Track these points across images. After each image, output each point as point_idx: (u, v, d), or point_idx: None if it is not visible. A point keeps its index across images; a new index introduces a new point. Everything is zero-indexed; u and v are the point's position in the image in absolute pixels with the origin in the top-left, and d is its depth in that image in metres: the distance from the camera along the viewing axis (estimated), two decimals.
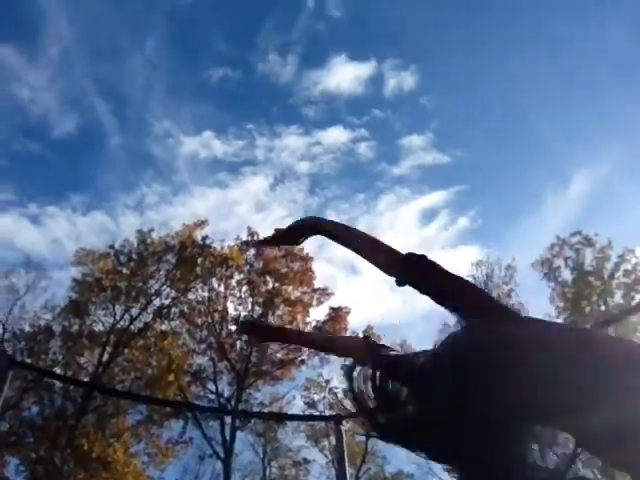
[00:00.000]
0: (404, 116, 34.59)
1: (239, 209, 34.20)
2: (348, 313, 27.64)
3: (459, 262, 31.39)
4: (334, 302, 27.41)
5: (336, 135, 32.07)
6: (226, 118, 34.18)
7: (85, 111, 30.11)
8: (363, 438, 25.60)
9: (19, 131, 29.60)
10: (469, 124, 33.94)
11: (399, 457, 25.11)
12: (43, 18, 30.12)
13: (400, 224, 35.11)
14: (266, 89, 32.72)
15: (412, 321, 34.15)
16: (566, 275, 28.63)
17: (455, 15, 31.43)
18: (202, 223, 25.28)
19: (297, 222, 1.64)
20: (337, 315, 27.48)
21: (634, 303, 25.87)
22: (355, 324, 28.13)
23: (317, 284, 27.36)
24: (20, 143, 29.53)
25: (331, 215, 33.19)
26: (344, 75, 34.23)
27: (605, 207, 33.60)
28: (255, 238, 27.18)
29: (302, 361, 27.03)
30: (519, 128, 33.15)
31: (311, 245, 32.92)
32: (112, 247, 23.34)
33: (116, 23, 30.94)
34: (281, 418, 24.75)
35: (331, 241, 1.48)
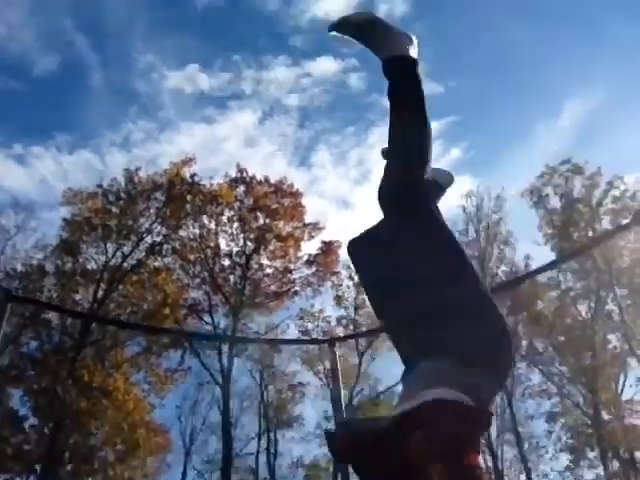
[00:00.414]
0: None
1: (227, 145, 34.03)
2: (339, 247, 28.06)
3: (452, 192, 31.45)
4: (325, 236, 27.85)
5: (326, 66, 31.39)
6: (211, 50, 33.34)
7: (65, 47, 29.43)
8: (356, 361, 26.73)
9: None
10: (462, 54, 33.23)
11: (391, 377, 26.22)
12: None
13: None
14: (252, 18, 31.81)
15: None
16: (555, 203, 28.79)
17: None
18: (190, 160, 25.35)
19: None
20: (328, 249, 27.92)
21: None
22: (345, 257, 28.53)
23: (308, 219, 27.71)
24: (0, 81, 29.03)
25: (322, 149, 33.08)
26: (334, 1, 33.27)
27: (596, 136, 33.40)
28: (244, 175, 27.39)
29: (295, 292, 27.75)
30: (511, 58, 32.46)
31: (302, 180, 33.05)
32: (100, 186, 23.48)
33: None
34: (277, 342, 25.60)
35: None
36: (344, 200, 38.52)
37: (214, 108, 32.14)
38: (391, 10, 30.91)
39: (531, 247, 28.25)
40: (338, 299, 28.54)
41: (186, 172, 25.13)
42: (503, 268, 29.17)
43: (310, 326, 28.03)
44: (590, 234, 27.84)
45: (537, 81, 32.04)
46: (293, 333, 27.01)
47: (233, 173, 26.98)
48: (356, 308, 28.27)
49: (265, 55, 31.86)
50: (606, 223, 27.60)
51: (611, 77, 29.97)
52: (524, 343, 28.02)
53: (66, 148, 30.46)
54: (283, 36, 31.76)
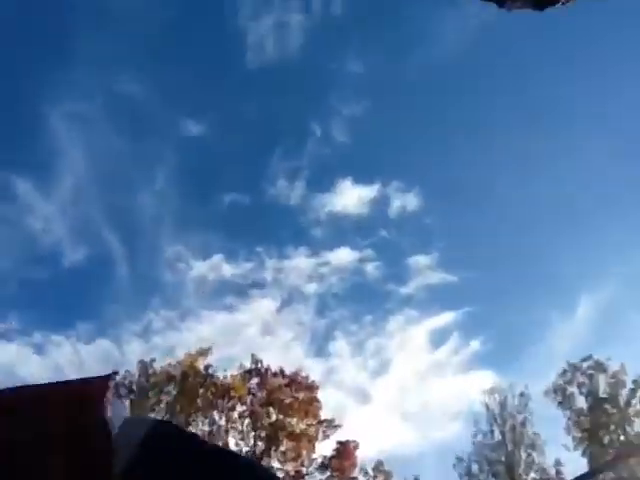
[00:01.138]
0: (409, 236, 35.35)
1: (246, 332, 33.60)
2: (356, 447, 26.01)
3: (473, 387, 30.41)
4: (342, 434, 25.89)
5: (343, 255, 32.31)
6: (236, 242, 34.92)
7: (95, 241, 31.30)
8: None
9: (29, 260, 31.13)
10: (475, 245, 34.65)
11: None
12: (59, 153, 32.24)
13: (410, 346, 34.33)
14: (275, 212, 33.92)
15: (425, 453, 32.14)
16: (580, 402, 27.56)
17: (457, 138, 33.06)
18: (206, 351, 24.40)
19: None
20: (345, 450, 25.85)
21: None
22: (364, 458, 26.29)
23: (324, 414, 25.99)
24: (29, 271, 30.79)
25: (339, 338, 32.63)
26: (350, 197, 35.34)
27: (614, 327, 33.43)
28: (259, 366, 26.21)
29: None
30: (523, 252, 33.78)
31: (318, 370, 31.79)
32: (113, 379, 22.08)
33: (128, 157, 32.87)
34: None
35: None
36: (363, 392, 36.90)
37: (235, 296, 32.44)
38: (403, 205, 32.71)
39: (560, 451, 26.29)
40: None
41: (200, 363, 24.08)
42: (533, 475, 26.90)
43: None
44: (622, 438, 26.38)
45: (551, 276, 32.94)
46: None
47: (248, 363, 25.86)
48: None
49: (286, 246, 32.98)
50: (638, 426, 26.34)
51: (621, 273, 30.88)
52: None
53: (85, 337, 30.16)
54: (303, 228, 33.27)
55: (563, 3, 1.84)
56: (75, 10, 29.14)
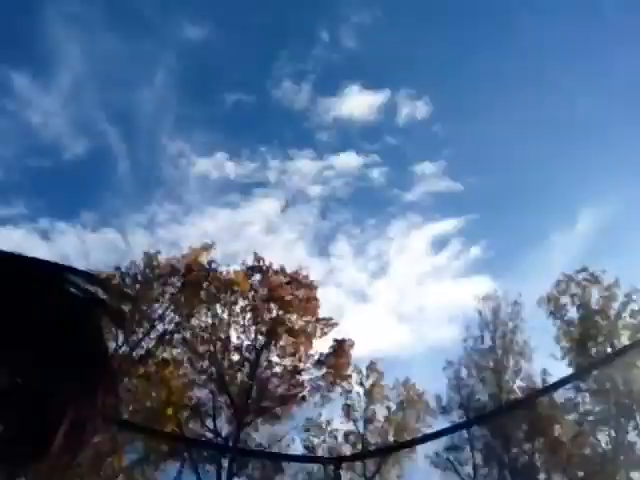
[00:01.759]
0: (417, 143, 34.56)
1: (249, 230, 33.40)
2: (352, 346, 26.45)
3: (470, 292, 30.93)
4: (339, 332, 26.23)
5: (348, 160, 31.53)
6: (239, 140, 34.38)
7: (95, 136, 30.88)
8: None
9: (31, 151, 30.27)
10: (481, 154, 34.10)
11: None
12: (57, 49, 30.85)
13: (411, 251, 34.52)
14: (280, 114, 32.92)
15: (419, 355, 33.17)
16: (572, 313, 28.17)
17: (468, 48, 31.69)
18: (209, 247, 23.90)
19: None
20: (340, 348, 26.25)
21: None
22: (359, 356, 26.86)
23: (322, 312, 26.20)
24: (32, 161, 30.83)
25: (341, 240, 32.54)
26: (358, 103, 34.03)
27: (611, 245, 33.91)
28: (261, 263, 25.90)
29: (303, 397, 25.61)
30: (528, 162, 33.38)
31: (320, 270, 31.85)
32: (118, 268, 21.86)
33: (126, 57, 31.27)
34: (280, 458, 23.15)
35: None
36: (361, 293, 37.40)
37: (239, 194, 31.86)
38: (412, 113, 31.59)
39: (548, 360, 27.18)
40: (347, 409, 26.46)
41: (204, 258, 23.63)
42: (519, 383, 27.86)
43: (316, 441, 25.75)
44: (609, 350, 27.24)
45: (553, 187, 32.84)
46: (298, 448, 24.62)
47: (250, 261, 25.51)
48: (366, 421, 26.23)
49: (291, 148, 32.00)
50: (625, 339, 27.13)
51: (625, 188, 30.81)
52: (542, 477, 26.36)
53: (90, 226, 30.12)
54: (308, 131, 32.37)
55: None
56: None
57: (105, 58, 30.56)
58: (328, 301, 27.66)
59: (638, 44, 29.13)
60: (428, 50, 31.87)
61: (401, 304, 35.06)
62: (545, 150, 32.25)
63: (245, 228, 34.62)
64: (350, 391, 26.62)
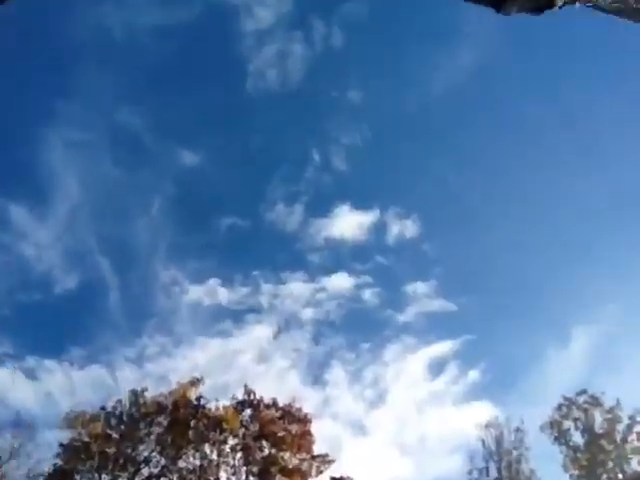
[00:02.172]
0: (407, 262, 35.54)
1: (241, 360, 33.25)
2: None
3: (471, 419, 29.96)
4: (336, 469, 25.11)
5: (340, 281, 32.28)
6: (233, 265, 35.42)
7: (88, 268, 32.34)
8: None
9: (23, 285, 31.75)
10: (471, 272, 34.86)
11: None
12: (54, 180, 32.45)
13: (408, 376, 33.98)
14: (273, 237, 34.41)
15: None
16: (577, 438, 27.08)
17: (453, 168, 33.51)
18: (198, 381, 23.75)
19: None
20: None
21: None
22: None
23: (318, 447, 25.27)
24: (23, 295, 31.43)
25: (336, 366, 32.14)
26: (348, 223, 35.63)
27: (607, 361, 33.54)
28: (252, 397, 25.52)
29: None
30: (519, 280, 33.99)
31: (315, 399, 31.19)
32: (103, 408, 21.56)
33: (123, 185, 33.20)
34: None
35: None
36: (359, 424, 36.24)
37: (231, 321, 32.52)
38: (401, 231, 32.78)
39: None
40: None
41: (193, 393, 23.36)
42: None
43: None
44: (620, 476, 25.96)
45: (545, 306, 33.19)
46: None
47: (241, 394, 25.18)
48: None
49: (283, 271, 33.10)
50: (635, 463, 25.94)
51: (615, 307, 31.06)
52: None
53: (79, 362, 29.99)
54: (300, 253, 33.43)
55: (560, 7, 1.84)
56: (77, 42, 29.56)
57: (102, 186, 31.98)
58: (324, 434, 26.79)
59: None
60: (414, 169, 33.71)
61: (401, 434, 33.87)
62: (535, 267, 33.04)
63: (237, 357, 34.44)
64: None
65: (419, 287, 32.57)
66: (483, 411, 35.90)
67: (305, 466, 25.00)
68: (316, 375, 34.74)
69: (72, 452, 20.14)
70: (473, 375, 32.51)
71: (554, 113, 31.75)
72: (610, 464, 26.54)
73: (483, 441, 27.22)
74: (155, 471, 21.50)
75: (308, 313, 32.06)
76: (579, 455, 26.80)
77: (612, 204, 30.59)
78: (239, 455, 24.25)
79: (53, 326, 34.46)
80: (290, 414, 25.45)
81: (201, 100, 33.30)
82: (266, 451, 24.70)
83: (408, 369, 34.45)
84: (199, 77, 33.63)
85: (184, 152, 33.91)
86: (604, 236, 32.18)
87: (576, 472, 26.59)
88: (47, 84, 33.05)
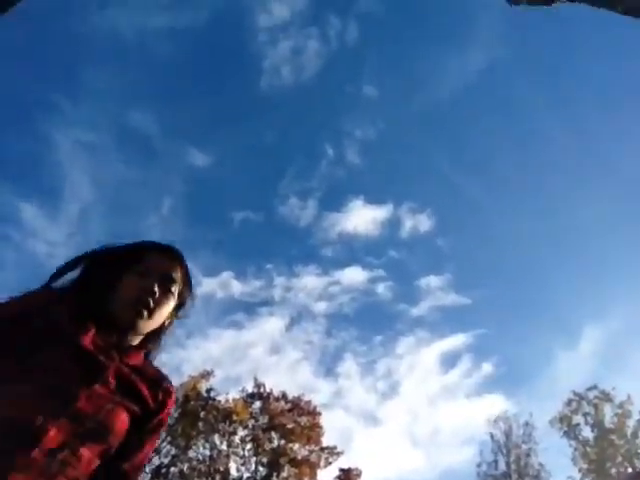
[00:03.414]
0: (421, 257, 35.48)
1: (253, 352, 33.62)
2: (359, 475, 25.54)
3: (484, 412, 30.10)
4: (346, 459, 25.58)
5: (354, 275, 32.42)
6: (246, 259, 35.48)
7: None
8: None
9: (34, 282, 30.39)
10: (486, 267, 34.82)
11: None
12: (65, 179, 32.85)
13: (421, 369, 34.13)
14: (286, 231, 34.60)
15: None
16: (587, 432, 27.15)
17: (468, 164, 33.39)
18: (208, 374, 24.16)
19: None
20: (347, 478, 25.35)
21: None
22: None
23: (330, 437, 25.74)
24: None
25: (348, 359, 32.37)
26: (361, 217, 35.69)
27: (618, 361, 33.32)
28: (261, 390, 25.91)
29: None
30: (532, 274, 33.93)
31: (327, 391, 31.51)
32: None
33: (134, 183, 33.42)
34: None
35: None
36: (371, 415, 36.55)
37: (243, 314, 32.62)
38: (415, 226, 32.82)
39: None
40: None
41: (203, 386, 23.77)
42: None
43: None
44: (629, 470, 25.89)
45: (558, 301, 33.06)
46: None
47: (251, 387, 25.58)
48: None
49: (296, 264, 33.32)
50: None
51: (625, 305, 30.88)
52: None
53: None
54: (314, 247, 33.65)
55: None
56: (87, 42, 29.88)
57: (113, 185, 32.28)
58: (336, 425, 27.09)
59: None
60: (428, 164, 33.70)
61: (413, 426, 34.12)
62: (548, 263, 32.92)
63: (249, 349, 34.80)
64: None
65: (433, 281, 32.66)
66: (495, 404, 35.97)
67: (314, 457, 25.34)
68: (328, 367, 35.12)
69: None
70: (486, 368, 32.63)
71: (565, 113, 31.49)
72: (620, 458, 26.51)
73: (492, 435, 27.35)
74: (165, 461, 21.96)
75: (321, 306, 32.37)
76: (588, 449, 26.82)
77: (626, 203, 30.29)
78: (249, 446, 24.65)
79: None
80: (299, 407, 25.79)
81: (214, 98, 33.50)
82: (275, 442, 25.07)
83: (421, 362, 34.67)
84: (212, 75, 33.83)
85: (195, 150, 34.15)
86: (617, 233, 31.88)
87: (585, 466, 26.63)
88: (58, 85, 33.48)
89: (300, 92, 33.41)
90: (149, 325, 1.26)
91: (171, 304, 1.31)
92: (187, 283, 1.37)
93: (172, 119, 33.62)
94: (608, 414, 27.23)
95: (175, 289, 1.31)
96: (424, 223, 32.46)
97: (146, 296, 1.22)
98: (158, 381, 1.26)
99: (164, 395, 1.24)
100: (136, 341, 1.27)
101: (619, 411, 27.01)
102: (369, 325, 36.07)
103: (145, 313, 1.22)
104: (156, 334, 1.33)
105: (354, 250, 34.86)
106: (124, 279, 1.23)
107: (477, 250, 33.65)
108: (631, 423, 26.60)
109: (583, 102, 31.21)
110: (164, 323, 1.33)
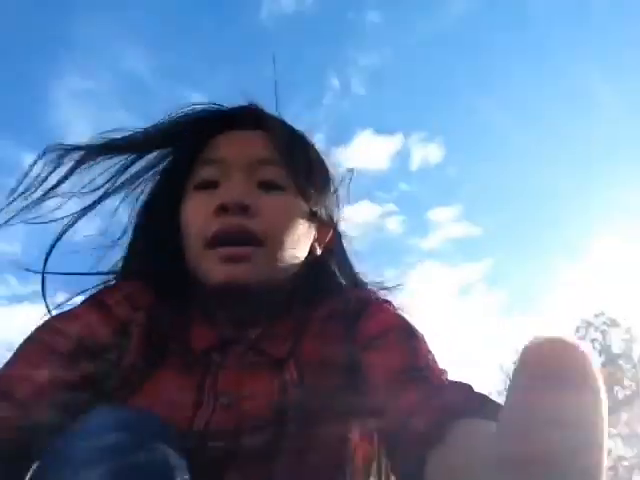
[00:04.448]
0: (432, 188, 35.81)
1: None
2: None
3: (497, 339, 30.20)
4: None
5: (364, 210, 33.15)
6: None
7: (106, 216, 33.70)
8: None
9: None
10: (498, 193, 34.63)
11: None
12: (66, 128, 34.59)
13: (433, 299, 34.37)
14: None
15: None
16: (594, 358, 27.02)
17: (481, 88, 34.30)
18: None
19: None
20: None
21: None
22: None
23: None
24: None
25: None
26: (371, 150, 35.85)
27: (625, 286, 32.71)
28: None
29: None
30: (544, 200, 33.81)
31: None
32: None
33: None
34: None
35: None
36: None
37: None
38: (426, 156, 33.81)
39: None
40: None
41: None
42: None
43: None
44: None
45: (567, 223, 32.56)
46: None
47: None
48: None
49: None
50: None
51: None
52: None
53: None
54: None
55: None
56: None
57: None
58: None
59: None
60: (437, 92, 34.48)
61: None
62: (560, 183, 32.73)
63: None
64: None
65: (444, 212, 33.15)
66: (513, 329, 35.63)
67: None
68: None
69: None
70: (498, 296, 32.88)
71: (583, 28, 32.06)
72: (627, 382, 26.69)
73: (501, 366, 27.97)
74: None
75: None
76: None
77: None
78: None
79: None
80: None
81: (213, 35, 35.33)
82: None
83: (433, 293, 35.16)
84: (211, 12, 35.70)
85: (194, 91, 35.28)
86: (629, 151, 31.62)
87: None
88: (48, 35, 35.09)
89: (301, 20, 34.69)
90: None
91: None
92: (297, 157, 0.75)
93: (168, 60, 35.40)
94: (616, 340, 27.56)
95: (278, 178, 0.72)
96: (434, 152, 33.05)
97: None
98: None
99: None
100: None
101: (626, 336, 27.28)
102: (380, 260, 36.70)
103: None
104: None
105: (364, 184, 35.46)
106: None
107: (489, 176, 33.54)
108: (638, 347, 26.82)
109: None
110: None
